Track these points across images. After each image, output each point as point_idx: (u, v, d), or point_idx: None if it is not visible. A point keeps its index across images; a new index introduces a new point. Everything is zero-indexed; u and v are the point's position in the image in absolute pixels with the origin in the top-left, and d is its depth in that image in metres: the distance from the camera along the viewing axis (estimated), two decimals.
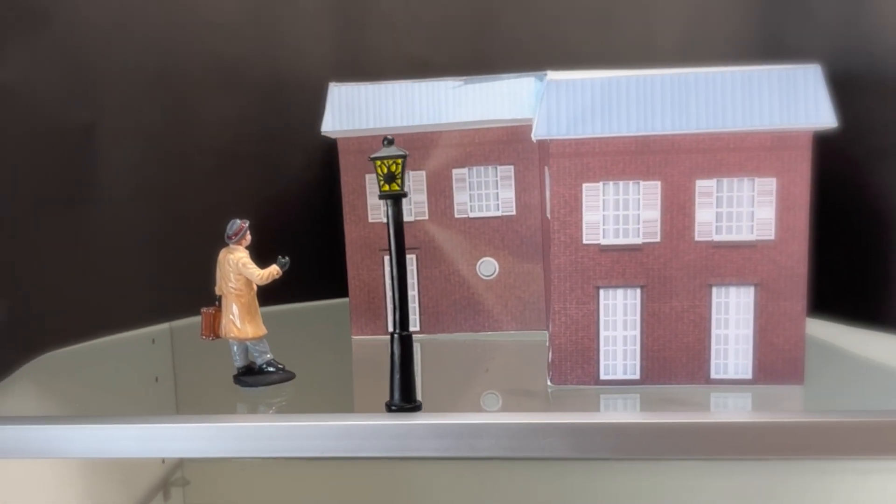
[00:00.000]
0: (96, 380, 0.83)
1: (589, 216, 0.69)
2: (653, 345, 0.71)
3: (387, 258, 0.88)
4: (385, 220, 0.65)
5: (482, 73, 0.87)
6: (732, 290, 0.69)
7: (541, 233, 0.88)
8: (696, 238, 0.69)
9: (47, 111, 0.81)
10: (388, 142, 0.64)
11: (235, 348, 0.75)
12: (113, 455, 0.62)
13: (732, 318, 0.70)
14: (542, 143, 0.75)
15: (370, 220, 0.90)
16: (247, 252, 0.74)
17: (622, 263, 0.70)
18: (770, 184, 0.67)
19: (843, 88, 0.69)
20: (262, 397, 0.74)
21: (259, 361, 0.76)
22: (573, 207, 0.69)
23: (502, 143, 0.87)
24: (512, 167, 0.88)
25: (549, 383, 0.73)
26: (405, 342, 0.63)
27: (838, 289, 0.82)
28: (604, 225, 0.69)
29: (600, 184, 0.69)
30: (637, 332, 0.71)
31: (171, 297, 0.93)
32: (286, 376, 0.76)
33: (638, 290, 0.70)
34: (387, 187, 0.63)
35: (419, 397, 0.63)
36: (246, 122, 0.99)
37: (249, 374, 0.76)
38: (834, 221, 0.78)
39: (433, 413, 0.61)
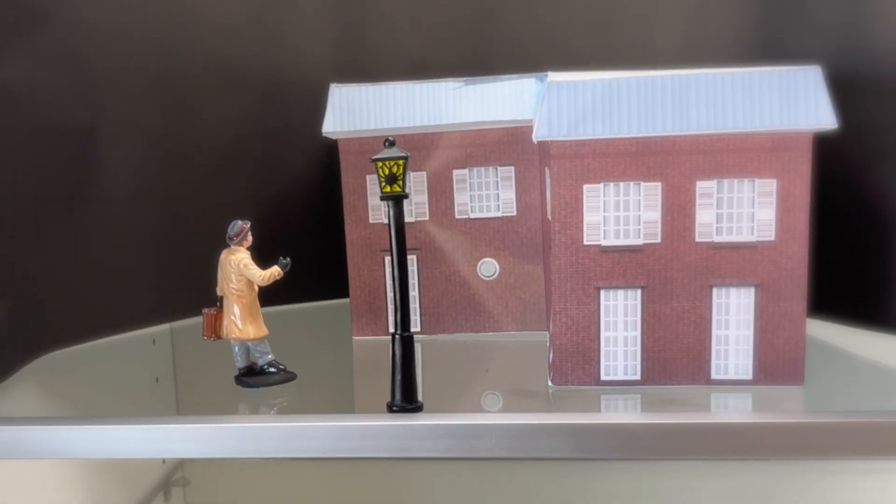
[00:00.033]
0: (97, 380, 0.83)
1: (589, 217, 0.69)
2: (653, 345, 0.71)
3: (388, 259, 0.88)
4: (386, 221, 0.64)
5: (483, 74, 0.87)
6: (733, 290, 0.69)
7: (541, 233, 0.88)
8: (697, 239, 0.69)
9: (48, 111, 0.81)
10: (390, 143, 0.64)
11: (237, 349, 0.76)
12: (114, 455, 0.62)
13: (733, 319, 0.70)
14: (542, 144, 0.75)
15: (371, 221, 0.90)
16: (248, 253, 0.74)
17: (623, 264, 0.70)
18: (770, 185, 0.68)
19: (843, 89, 0.69)
20: (264, 398, 0.74)
21: (260, 362, 0.76)
22: (574, 208, 0.69)
23: (503, 144, 0.87)
24: (512, 168, 0.88)
25: (549, 384, 0.73)
26: (406, 343, 0.63)
27: (838, 289, 0.82)
28: (604, 226, 0.69)
29: (601, 185, 0.69)
30: (638, 333, 0.71)
31: (171, 298, 0.93)
32: (287, 377, 0.76)
33: (638, 291, 0.70)
34: (388, 189, 0.63)
35: (420, 398, 0.63)
36: (246, 123, 0.99)
37: (251, 375, 0.76)
38: (834, 222, 0.78)
39: (434, 413, 0.61)
